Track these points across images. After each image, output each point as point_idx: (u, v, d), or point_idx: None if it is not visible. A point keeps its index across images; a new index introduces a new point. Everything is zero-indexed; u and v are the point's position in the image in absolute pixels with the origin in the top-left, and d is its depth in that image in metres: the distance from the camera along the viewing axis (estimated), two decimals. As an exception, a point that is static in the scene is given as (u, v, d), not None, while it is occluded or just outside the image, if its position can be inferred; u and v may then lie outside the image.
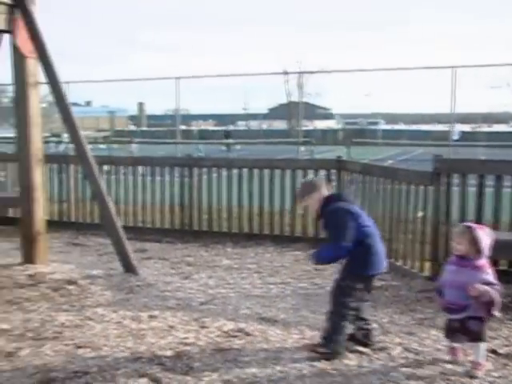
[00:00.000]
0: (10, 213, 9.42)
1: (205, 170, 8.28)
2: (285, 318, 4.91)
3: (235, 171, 8.13)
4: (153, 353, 4.17)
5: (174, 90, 22.25)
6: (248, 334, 4.51)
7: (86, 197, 8.93)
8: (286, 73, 32.61)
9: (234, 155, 25.25)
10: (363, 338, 4.25)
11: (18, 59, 6.49)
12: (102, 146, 29.76)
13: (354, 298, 4.10)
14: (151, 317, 4.92)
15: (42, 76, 6.60)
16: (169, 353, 4.17)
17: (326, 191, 4.21)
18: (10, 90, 28.02)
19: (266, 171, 7.93)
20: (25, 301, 5.47)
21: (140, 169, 8.58)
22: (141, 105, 44.24)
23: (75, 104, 15.54)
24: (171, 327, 4.68)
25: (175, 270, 6.55)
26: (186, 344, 4.33)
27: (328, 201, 4.15)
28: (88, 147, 6.40)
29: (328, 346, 4.05)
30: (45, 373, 3.89)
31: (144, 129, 43.16)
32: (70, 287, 5.88)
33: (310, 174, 7.72)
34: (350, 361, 4.02)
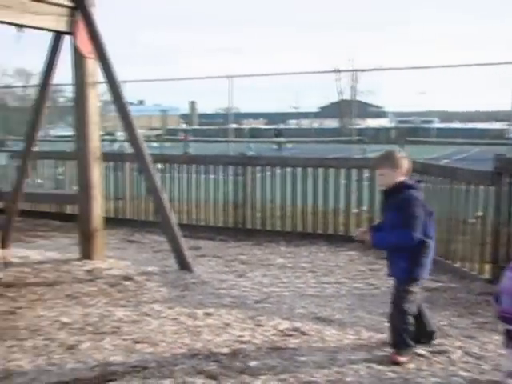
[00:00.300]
0: (68, 209, 9.68)
1: (258, 168, 8.30)
2: (340, 318, 4.86)
3: (289, 170, 8.11)
4: (209, 350, 4.19)
5: (225, 88, 22.37)
6: (304, 334, 4.48)
7: (141, 194, 9.09)
8: (338, 71, 32.37)
9: (285, 154, 25.23)
10: (426, 340, 4.17)
11: (78, 60, 6.65)
12: (154, 144, 30.22)
13: (414, 303, 4.02)
14: (207, 314, 4.96)
15: (100, 76, 6.76)
16: (225, 350, 4.19)
17: (403, 175, 4.09)
18: (67, 90, 28.77)
19: (320, 170, 7.88)
20: (83, 295, 5.60)
21: (194, 167, 8.66)
22: (192, 103, 44.74)
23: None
24: (227, 325, 4.70)
25: (229, 268, 6.59)
26: (242, 342, 4.34)
27: (402, 185, 4.00)
28: (144, 145, 6.49)
29: (403, 353, 3.97)
30: (105, 366, 3.97)
31: (195, 127, 43.62)
32: (127, 283, 5.98)
33: (366, 173, 7.64)
34: (409, 363, 3.94)
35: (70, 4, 6.44)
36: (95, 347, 4.31)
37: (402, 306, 3.98)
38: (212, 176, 8.58)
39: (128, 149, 18.91)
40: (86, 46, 6.56)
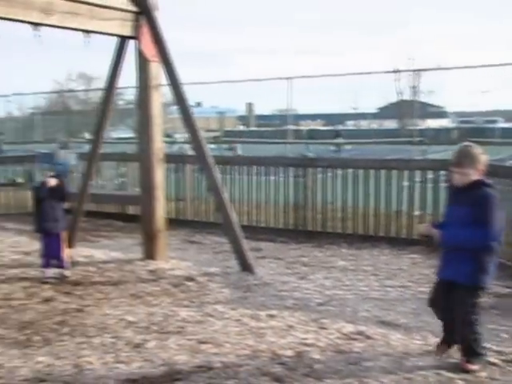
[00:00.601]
0: (131, 210, 9.88)
1: (319, 169, 8.24)
2: (406, 323, 4.77)
3: (350, 171, 8.02)
4: (273, 352, 4.18)
5: (282, 90, 22.32)
6: (368, 338, 4.42)
7: (201, 195, 9.19)
8: (398, 71, 31.86)
9: (344, 155, 25.00)
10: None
11: (142, 63, 6.77)
12: (212, 146, 30.49)
13: (479, 311, 3.89)
14: (270, 316, 4.95)
15: (163, 78, 6.87)
16: (289, 352, 4.17)
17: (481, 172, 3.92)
18: (127, 93, 29.37)
19: (383, 171, 7.76)
20: (147, 295, 5.69)
21: (254, 168, 8.68)
22: (249, 105, 44.98)
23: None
24: (290, 327, 4.68)
25: (291, 269, 6.57)
26: (306, 345, 4.31)
27: (480, 182, 3.85)
28: (207, 147, 6.54)
29: (474, 361, 3.84)
30: (171, 365, 4.02)
31: (253, 129, 43.81)
32: (189, 283, 6.05)
33: (429, 175, 7.47)
34: (481, 372, 3.82)
35: (135, 9, 6.57)
36: (161, 346, 4.37)
37: (471, 318, 3.84)
38: (272, 177, 8.57)
39: (188, 150, 19.16)
40: (149, 50, 6.68)
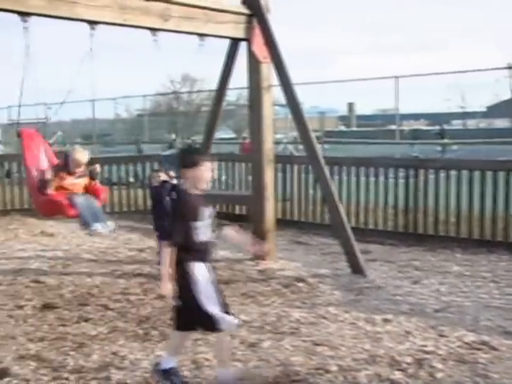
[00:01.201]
0: (237, 210, 10.02)
1: (431, 171, 7.97)
2: (533, 335, 4.49)
3: (465, 172, 7.68)
4: (392, 358, 4.08)
5: (385, 89, 21.88)
6: (494, 349, 4.20)
7: (308, 196, 9.15)
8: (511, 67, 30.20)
9: (450, 156, 24.10)
10: None
11: (253, 64, 6.85)
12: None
13: None
14: (385, 320, 4.84)
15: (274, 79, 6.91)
16: (408, 359, 4.05)
17: None
18: (229, 94, 29.83)
19: (501, 173, 7.37)
20: (258, 295, 5.74)
21: (363, 169, 8.53)
22: (350, 105, 44.35)
23: (283, 106, 16.13)
24: (408, 333, 4.55)
25: (403, 273, 6.40)
26: (426, 352, 4.17)
27: None
28: (318, 148, 6.50)
29: None
30: (287, 366, 4.02)
31: (354, 129, 43.22)
32: (300, 284, 6.03)
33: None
34: None
35: (247, 11, 6.65)
36: (276, 346, 4.38)
37: None
38: (381, 179, 8.39)
39: (293, 151, 19.18)
40: (261, 51, 6.74)
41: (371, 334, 4.56)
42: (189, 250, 3.58)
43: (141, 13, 5.70)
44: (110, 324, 4.99)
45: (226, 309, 3.69)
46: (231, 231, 3.96)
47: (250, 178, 10.38)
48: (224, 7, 6.41)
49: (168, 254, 3.56)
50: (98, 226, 6.54)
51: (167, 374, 3.75)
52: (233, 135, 35.19)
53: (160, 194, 6.52)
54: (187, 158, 3.69)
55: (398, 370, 3.89)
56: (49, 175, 6.54)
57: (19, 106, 6.55)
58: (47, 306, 5.50)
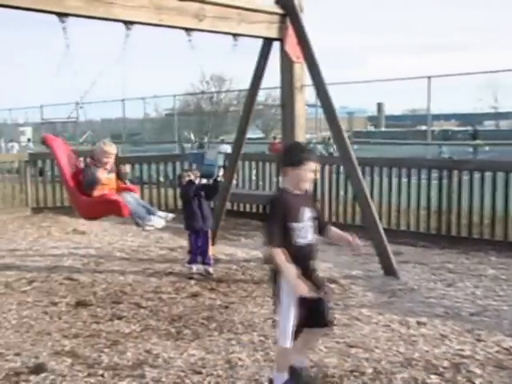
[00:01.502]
0: (268, 210, 9.99)
1: (465, 172, 7.85)
2: None
3: (501, 174, 7.55)
4: (428, 361, 4.03)
5: (415, 89, 21.63)
6: (535, 355, 4.12)
7: (339, 196, 9.10)
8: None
9: (482, 157, 23.74)
10: None
11: (286, 64, 6.83)
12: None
13: None
14: (419, 323, 4.78)
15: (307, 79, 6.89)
16: (445, 363, 3.99)
17: None
18: (259, 95, 29.82)
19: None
20: (291, 295, 5.71)
21: (395, 170, 8.44)
22: (380, 105, 44.00)
23: (312, 106, 16.08)
24: (443, 336, 4.49)
25: (436, 276, 6.31)
26: (463, 356, 4.11)
27: None
28: (351, 149, 6.46)
29: None
30: (321, 368, 3.99)
31: (383, 129, 42.86)
32: (332, 286, 5.99)
33: None
34: None
35: (281, 11, 6.63)
36: (310, 348, 4.34)
37: None
38: (414, 180, 8.29)
39: (322, 151, 19.08)
40: (294, 51, 6.72)
41: (406, 336, 4.51)
42: (285, 253, 3.36)
43: (176, 13, 5.73)
44: (143, 322, 5.03)
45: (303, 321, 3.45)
46: (335, 229, 3.83)
47: (280, 178, 10.44)
48: (258, 7, 6.40)
49: (280, 254, 3.33)
50: (154, 218, 6.34)
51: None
52: (261, 135, 35.22)
53: (188, 194, 6.55)
54: (293, 156, 3.47)
55: (435, 374, 3.83)
56: (96, 175, 6.14)
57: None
58: (81, 304, 5.56)
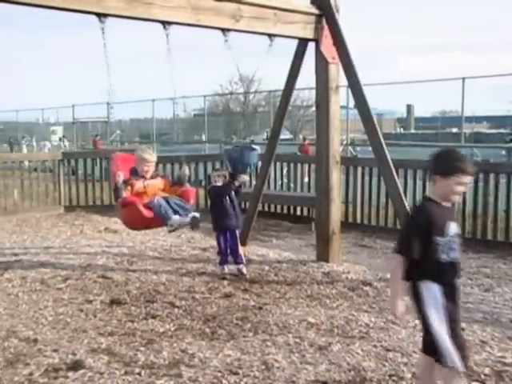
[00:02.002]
0: (298, 211, 9.99)
1: (502, 175, 7.71)
2: None
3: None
4: (469, 368, 3.94)
5: (445, 91, 21.39)
6: None
7: (371, 199, 9.03)
8: None
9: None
10: None
11: (321, 65, 6.78)
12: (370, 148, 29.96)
13: None
14: (459, 329, 4.69)
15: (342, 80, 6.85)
16: (487, 370, 3.92)
17: None
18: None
19: None
20: (324, 297, 5.68)
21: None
22: (409, 107, 43.70)
23: (342, 107, 15.99)
24: (483, 342, 4.41)
25: (473, 280, 6.21)
26: (505, 364, 4.02)
27: None
28: (387, 150, 6.39)
29: None
30: (358, 371, 3.96)
31: (412, 131, 42.52)
32: (366, 288, 5.94)
33: None
34: None
35: (317, 11, 6.60)
36: (346, 350, 4.32)
37: None
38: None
39: (353, 152, 18.93)
40: (330, 52, 6.68)
41: (444, 341, 4.43)
42: (424, 269, 3.16)
43: (213, 13, 5.73)
44: (177, 321, 5.04)
45: (459, 344, 3.19)
46: None
47: (306, 179, 10.41)
48: (294, 7, 6.38)
49: (400, 265, 3.15)
50: (174, 217, 6.17)
51: None
52: (289, 136, 35.18)
53: (220, 194, 6.48)
54: (445, 164, 3.18)
55: (476, 381, 3.77)
56: (119, 183, 6.17)
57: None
58: (115, 302, 5.60)
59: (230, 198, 6.51)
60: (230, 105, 42.08)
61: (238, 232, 6.68)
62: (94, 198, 11.29)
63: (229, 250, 6.59)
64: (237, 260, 6.57)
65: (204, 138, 24.50)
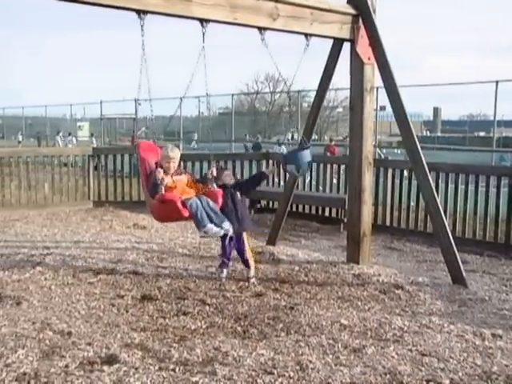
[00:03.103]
0: (326, 212, 9.94)
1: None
2: None
3: None
4: (509, 376, 3.88)
5: (474, 94, 21.07)
6: None
7: (401, 202, 8.95)
8: None
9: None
10: None
11: (356, 65, 6.72)
12: (397, 151, 29.77)
13: None
14: (495, 335, 4.62)
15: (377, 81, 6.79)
16: (525, 378, 3.85)
17: None
18: (310, 96, 29.58)
19: None
20: (356, 299, 5.63)
21: (462, 176, 8.23)
22: (436, 110, 43.28)
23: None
24: (521, 350, 4.33)
25: (508, 287, 6.11)
26: (544, 371, 3.95)
27: None
28: (421, 153, 6.31)
29: None
30: (394, 375, 3.91)
31: (438, 134, 42.10)
32: (398, 291, 5.88)
33: None
34: None
35: (354, 12, 6.55)
36: (381, 354, 4.27)
37: None
38: (481, 187, 8.06)
39: (381, 154, 18.73)
40: (366, 52, 6.62)
41: (481, 348, 4.37)
42: None
43: (251, 11, 5.71)
44: (208, 319, 5.04)
45: None
46: None
47: (335, 180, 10.36)
48: (331, 7, 6.33)
49: None
50: (209, 226, 5.86)
51: None
52: (314, 136, 35.08)
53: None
54: None
55: (516, 388, 3.71)
56: (158, 179, 5.88)
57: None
58: (146, 298, 5.62)
59: (233, 200, 6.22)
60: (256, 104, 42.10)
61: (244, 235, 6.40)
62: (123, 194, 11.37)
63: (238, 253, 6.37)
64: (244, 264, 6.40)
65: (232, 136, 24.52)
